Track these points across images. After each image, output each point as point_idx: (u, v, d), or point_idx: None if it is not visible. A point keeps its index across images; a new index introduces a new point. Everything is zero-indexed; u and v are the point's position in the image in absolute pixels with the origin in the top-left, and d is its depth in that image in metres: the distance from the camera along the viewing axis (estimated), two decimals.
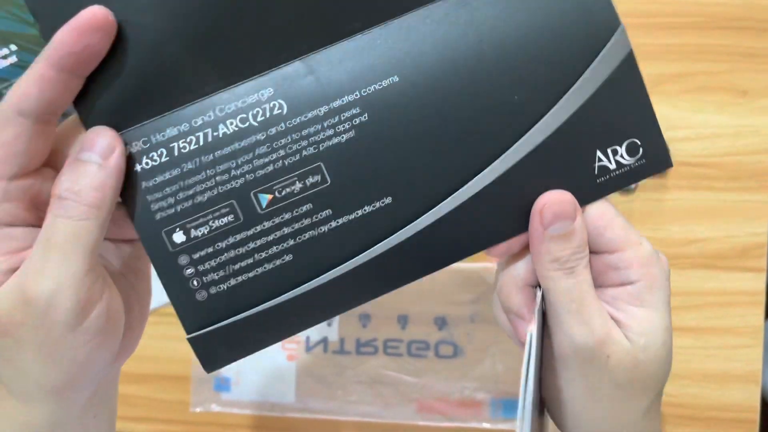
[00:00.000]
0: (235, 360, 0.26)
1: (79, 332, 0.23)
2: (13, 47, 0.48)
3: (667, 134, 0.48)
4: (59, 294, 0.22)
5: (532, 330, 0.25)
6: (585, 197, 0.26)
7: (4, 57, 0.48)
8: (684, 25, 0.49)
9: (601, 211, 0.26)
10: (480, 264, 0.50)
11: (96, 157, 0.23)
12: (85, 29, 0.22)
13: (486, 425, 0.49)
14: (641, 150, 0.26)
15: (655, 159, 0.26)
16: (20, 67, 0.49)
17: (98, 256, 0.24)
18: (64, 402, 0.24)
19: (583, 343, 0.25)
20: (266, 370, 0.51)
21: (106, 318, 0.23)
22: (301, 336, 0.51)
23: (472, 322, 0.50)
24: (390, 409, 0.50)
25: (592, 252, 0.26)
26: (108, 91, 0.24)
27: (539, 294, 0.26)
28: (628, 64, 0.25)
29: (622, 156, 0.26)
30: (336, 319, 0.51)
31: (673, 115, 0.50)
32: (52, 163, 0.24)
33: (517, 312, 0.27)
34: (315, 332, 0.51)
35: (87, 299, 0.23)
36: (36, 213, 0.24)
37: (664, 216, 0.49)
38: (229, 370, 0.51)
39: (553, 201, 0.25)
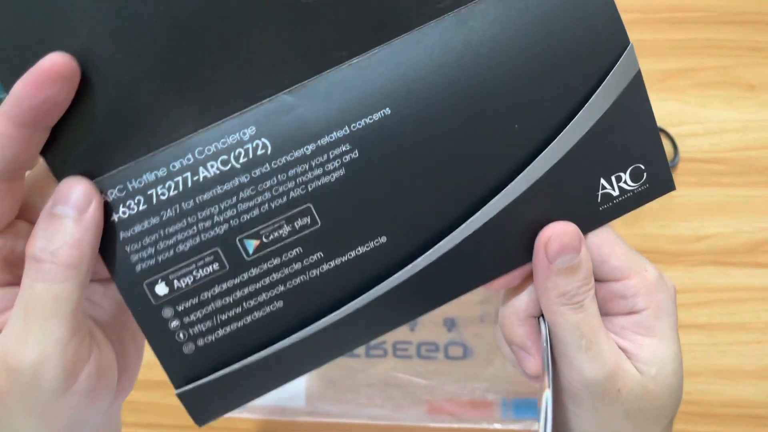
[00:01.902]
0: (227, 412, 0.25)
1: (69, 396, 0.22)
2: None
3: (674, 130, 0.48)
4: (44, 362, 0.21)
5: (547, 395, 0.24)
6: (587, 226, 0.25)
7: None
8: (691, 19, 0.49)
9: (604, 239, 0.25)
10: None
11: (71, 210, 0.21)
12: (44, 80, 0.20)
13: (497, 426, 0.49)
14: (645, 175, 0.25)
15: (659, 182, 0.25)
16: None
17: (83, 312, 0.22)
18: None
19: (594, 378, 0.24)
20: None
21: (96, 377, 0.22)
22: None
23: (482, 322, 0.50)
24: (400, 411, 0.50)
25: (596, 280, 0.25)
26: (77, 138, 0.22)
27: (545, 329, 0.25)
28: (636, 86, 0.23)
29: (625, 182, 0.25)
30: None
31: (681, 111, 0.49)
32: (24, 215, 0.23)
33: (520, 344, 0.26)
34: None
35: (74, 363, 0.21)
36: (12, 271, 0.23)
37: (673, 213, 0.49)
38: None
39: (558, 233, 0.24)
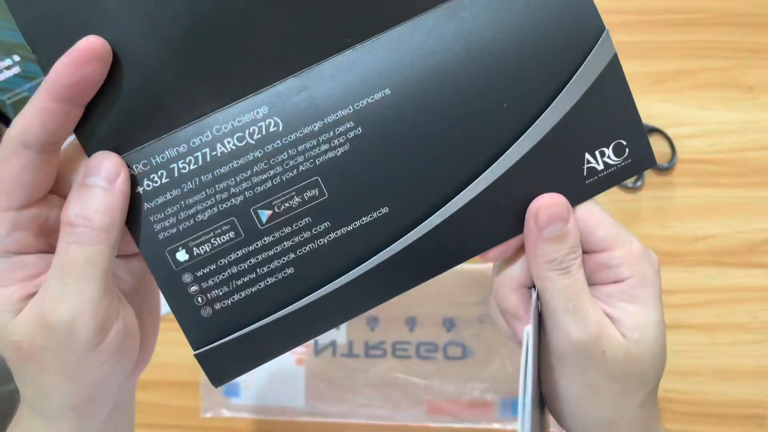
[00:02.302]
0: (242, 373, 0.26)
1: (99, 352, 0.23)
2: (17, 58, 0.49)
3: (672, 131, 0.49)
4: (78, 318, 0.22)
5: (528, 329, 0.25)
6: (575, 198, 0.26)
7: (8, 68, 0.48)
8: (689, 21, 0.49)
9: (590, 211, 0.26)
10: (486, 265, 0.50)
11: (102, 181, 0.23)
12: (81, 60, 0.22)
13: (496, 425, 0.49)
14: (627, 150, 0.26)
15: (640, 158, 0.27)
16: (23, 78, 0.49)
17: (112, 275, 0.24)
18: (86, 417, 0.25)
19: (579, 339, 0.26)
20: (276, 375, 0.51)
21: (124, 335, 0.24)
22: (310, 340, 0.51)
23: (481, 322, 0.50)
24: (400, 411, 0.50)
25: (584, 251, 0.27)
26: (107, 117, 0.24)
27: (534, 294, 0.27)
28: (613, 67, 0.26)
29: (609, 157, 0.26)
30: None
31: (679, 112, 0.49)
32: (56, 189, 0.24)
33: (513, 313, 0.28)
34: (323, 336, 0.51)
35: (105, 320, 0.23)
36: (46, 239, 0.24)
37: (671, 213, 0.49)
38: None
39: (547, 204, 0.26)
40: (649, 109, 0.49)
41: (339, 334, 0.51)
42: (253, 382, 0.51)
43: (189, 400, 0.51)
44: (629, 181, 0.49)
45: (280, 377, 0.51)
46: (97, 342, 0.23)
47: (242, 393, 0.51)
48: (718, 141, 0.49)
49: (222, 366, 0.26)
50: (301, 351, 0.51)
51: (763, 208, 0.49)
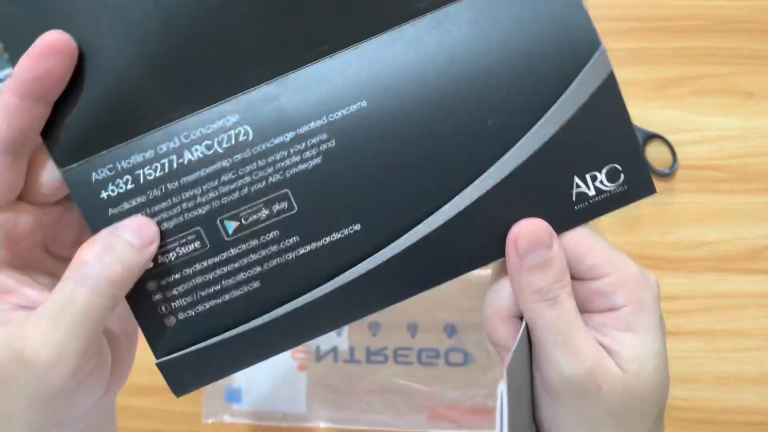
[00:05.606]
0: (203, 385, 0.26)
1: (69, 391, 0.23)
2: None
3: (673, 137, 0.49)
4: (59, 363, 0.22)
5: (502, 388, 0.24)
6: (562, 225, 0.25)
7: None
8: (689, 28, 0.49)
9: (579, 237, 0.25)
10: (488, 271, 0.50)
11: (136, 240, 0.23)
12: (44, 53, 0.22)
13: None
14: (623, 176, 0.25)
15: (638, 185, 0.25)
16: None
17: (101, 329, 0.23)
18: None
19: (573, 375, 0.24)
20: (277, 381, 0.51)
21: (95, 373, 0.23)
22: (311, 345, 0.51)
23: (482, 329, 0.50)
24: (401, 417, 0.50)
25: (576, 279, 0.25)
26: (73, 119, 0.23)
27: (523, 325, 0.25)
28: (609, 86, 0.24)
29: (601, 182, 0.25)
30: (345, 328, 0.51)
31: (679, 118, 0.49)
32: (24, 196, 0.24)
33: (504, 345, 0.26)
34: (325, 341, 0.51)
35: (83, 373, 0.22)
36: (12, 249, 0.24)
37: (672, 219, 0.49)
38: (240, 381, 0.51)
39: (527, 230, 0.24)
40: (650, 115, 0.49)
41: (341, 340, 0.51)
42: (254, 388, 0.51)
43: (191, 406, 0.51)
44: None
45: (282, 383, 0.51)
46: (72, 385, 0.22)
47: (244, 399, 0.51)
48: (718, 147, 0.49)
49: (184, 376, 0.25)
50: (302, 357, 0.51)
51: (764, 214, 0.49)
